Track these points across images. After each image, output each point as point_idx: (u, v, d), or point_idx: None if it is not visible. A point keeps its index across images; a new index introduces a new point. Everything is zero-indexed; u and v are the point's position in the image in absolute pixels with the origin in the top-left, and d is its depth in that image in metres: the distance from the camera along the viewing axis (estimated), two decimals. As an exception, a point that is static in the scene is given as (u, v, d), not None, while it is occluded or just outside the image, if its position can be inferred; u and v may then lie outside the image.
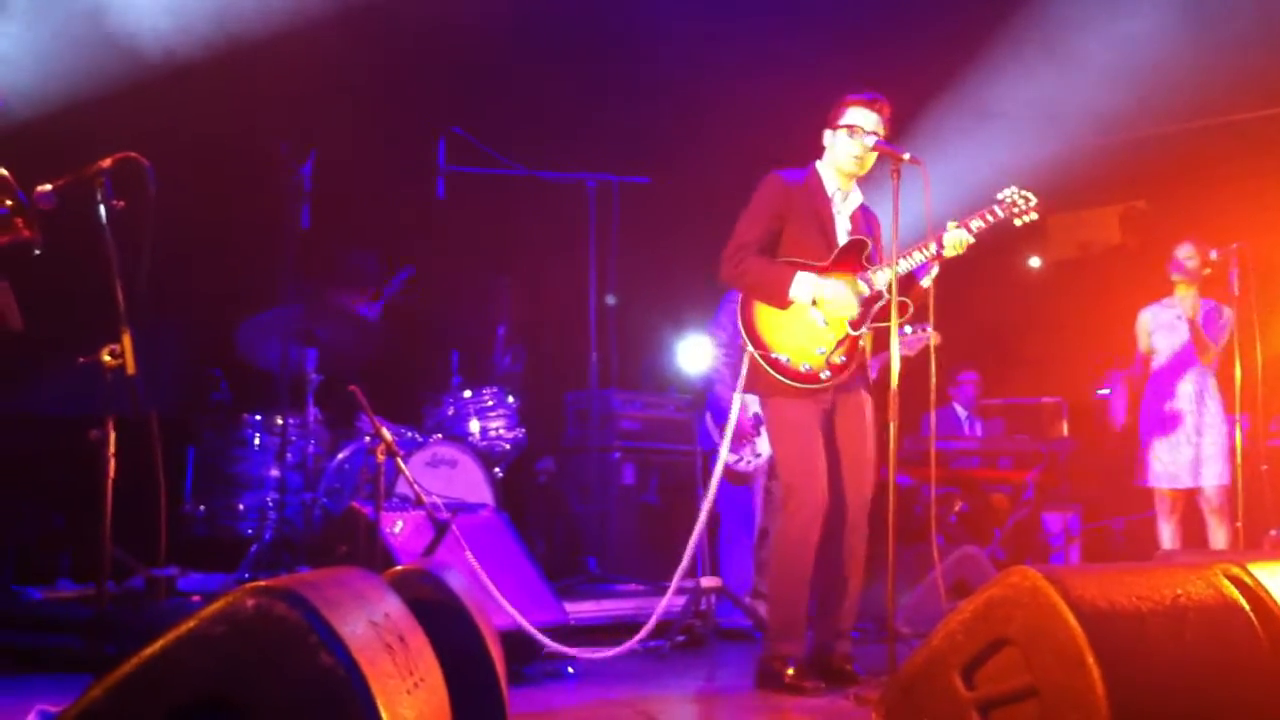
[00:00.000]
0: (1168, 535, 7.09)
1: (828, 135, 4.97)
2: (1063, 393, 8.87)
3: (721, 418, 6.39)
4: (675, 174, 7.56)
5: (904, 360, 4.71)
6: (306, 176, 6.68)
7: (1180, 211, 8.99)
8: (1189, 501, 7.06)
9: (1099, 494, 8.77)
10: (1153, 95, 7.71)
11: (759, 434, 6.39)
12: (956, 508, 7.88)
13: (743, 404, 6.35)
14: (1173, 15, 7.32)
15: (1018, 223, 4.84)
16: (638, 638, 5.06)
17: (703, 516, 5.21)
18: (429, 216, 7.57)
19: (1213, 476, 6.89)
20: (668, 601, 5.19)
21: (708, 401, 6.65)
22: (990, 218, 4.78)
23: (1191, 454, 6.95)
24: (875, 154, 4.89)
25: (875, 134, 4.83)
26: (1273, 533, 6.57)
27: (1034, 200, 4.81)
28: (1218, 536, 6.90)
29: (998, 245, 9.46)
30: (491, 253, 8.35)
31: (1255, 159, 8.42)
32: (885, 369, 4.63)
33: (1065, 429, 8.72)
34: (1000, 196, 4.83)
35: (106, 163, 4.05)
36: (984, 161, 4.95)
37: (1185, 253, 6.98)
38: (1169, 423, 7.06)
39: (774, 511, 6.57)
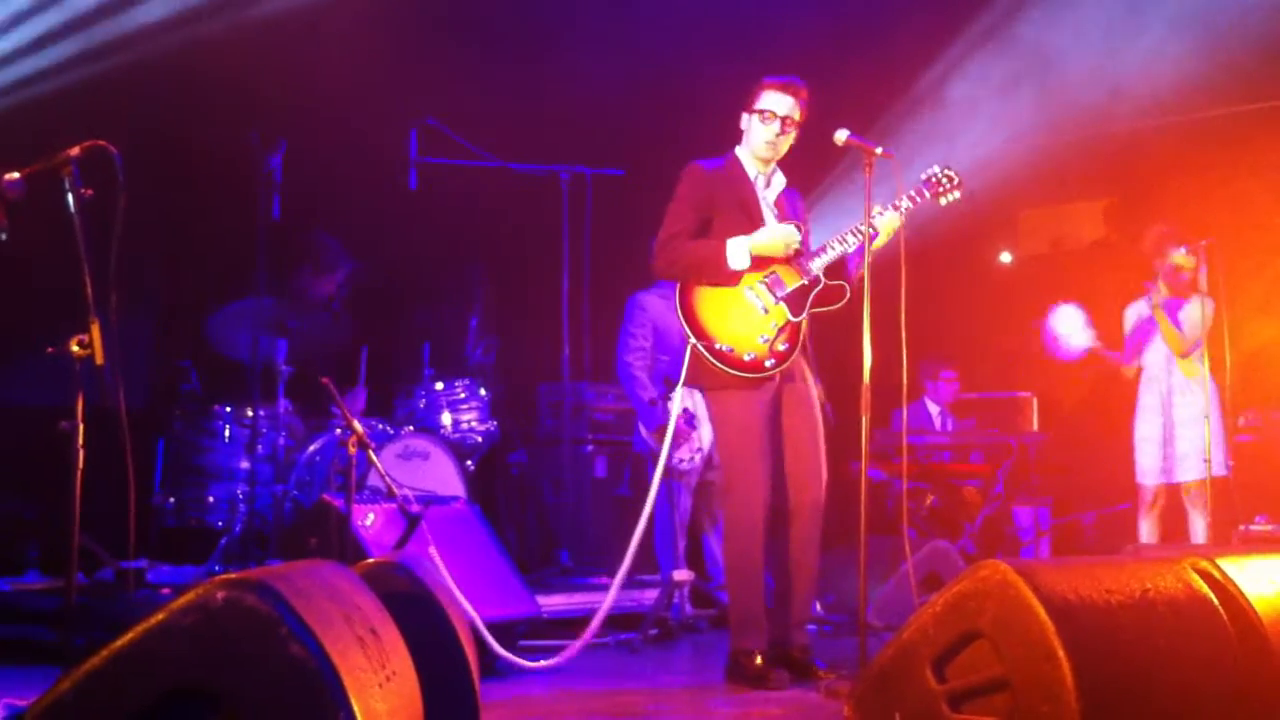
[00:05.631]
0: (1146, 529, 7.12)
1: (744, 119, 4.93)
2: (1033, 387, 8.91)
3: (650, 422, 6.37)
4: (650, 166, 7.55)
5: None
6: (277, 167, 6.64)
7: (1151, 207, 9.04)
8: (1170, 496, 7.09)
9: (1069, 488, 8.82)
10: (1125, 91, 7.74)
11: (693, 431, 6.36)
12: (928, 501, 7.91)
13: (673, 404, 6.37)
14: (1144, 10, 7.35)
15: (943, 201, 4.83)
16: (589, 631, 4.94)
17: (644, 517, 5.09)
18: (401, 208, 7.54)
19: (1192, 471, 6.92)
20: (614, 597, 5.01)
21: (635, 407, 6.62)
22: (917, 197, 4.78)
23: (1171, 449, 6.99)
24: (789, 139, 4.87)
25: (790, 118, 4.81)
26: (1241, 528, 6.61)
27: (958, 179, 4.82)
28: (1198, 531, 6.93)
29: (970, 241, 9.53)
30: (464, 244, 8.33)
31: (1226, 155, 8.47)
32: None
33: (1036, 423, 8.76)
34: (925, 175, 4.83)
35: (75, 151, 4.01)
36: (952, 158, 4.95)
37: (1178, 252, 7.00)
38: (1148, 418, 7.10)
39: (713, 503, 6.60)
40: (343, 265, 7.01)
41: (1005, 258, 10.54)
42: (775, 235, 4.75)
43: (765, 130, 4.83)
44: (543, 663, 4.88)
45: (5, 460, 5.90)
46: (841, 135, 4.70)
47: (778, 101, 4.82)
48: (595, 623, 4.94)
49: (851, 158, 4.88)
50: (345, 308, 6.96)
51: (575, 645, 4.90)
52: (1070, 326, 7.39)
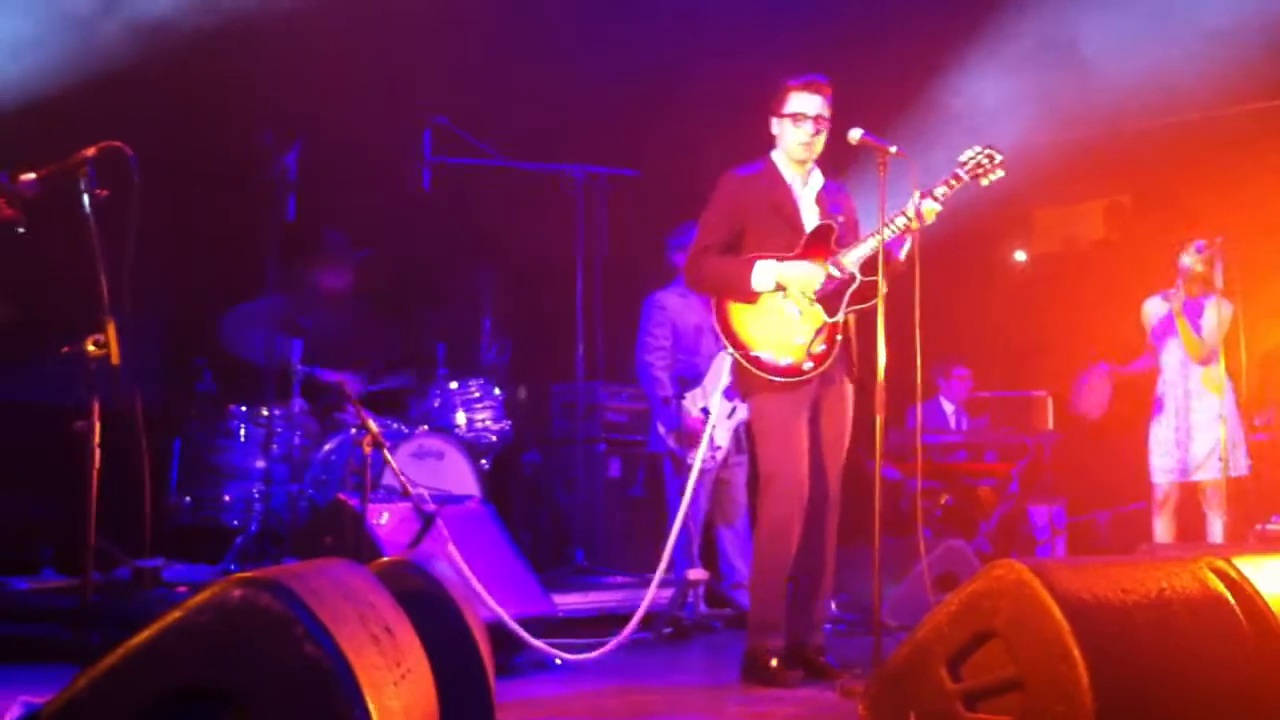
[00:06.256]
0: (1162, 529, 7.09)
1: (775, 124, 4.92)
2: (1048, 386, 8.88)
3: (669, 422, 6.39)
4: (663, 166, 7.55)
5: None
6: (291, 167, 6.66)
7: (1165, 206, 9.01)
8: (1186, 496, 7.06)
9: (1085, 487, 8.79)
10: (1137, 89, 7.72)
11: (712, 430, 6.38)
12: (942, 501, 7.90)
13: (690, 403, 6.38)
14: (1160, 7, 7.32)
15: (985, 182, 4.76)
16: (626, 631, 5.03)
17: (679, 517, 5.14)
18: (414, 208, 7.55)
19: (1209, 471, 6.89)
20: (652, 598, 5.14)
21: (653, 406, 6.64)
22: (955, 182, 4.73)
23: (1187, 449, 6.96)
24: (823, 137, 4.86)
25: (821, 116, 4.81)
26: (1258, 527, 6.58)
27: (999, 156, 4.74)
28: (1215, 530, 6.90)
29: (983, 240, 9.52)
30: (477, 244, 8.34)
31: (1239, 154, 8.44)
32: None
33: (1051, 422, 8.74)
34: (964, 158, 4.76)
35: (90, 151, 4.04)
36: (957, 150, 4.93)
37: (1189, 251, 6.97)
38: (1164, 418, 7.07)
39: (727, 502, 6.60)
40: (351, 259, 7.02)
41: (1019, 256, 10.52)
42: (802, 273, 4.74)
43: (799, 133, 4.83)
44: (587, 655, 4.92)
45: (21, 459, 5.93)
46: (855, 134, 4.68)
47: (806, 102, 4.82)
48: (635, 619, 5.02)
49: (865, 156, 4.85)
50: (357, 305, 6.99)
51: (614, 642, 4.96)
52: (1100, 388, 7.40)
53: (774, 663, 4.65)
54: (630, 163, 7.44)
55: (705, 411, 6.21)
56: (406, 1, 7.21)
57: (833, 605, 6.00)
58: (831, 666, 4.72)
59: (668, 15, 7.93)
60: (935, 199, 4.66)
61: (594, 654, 4.95)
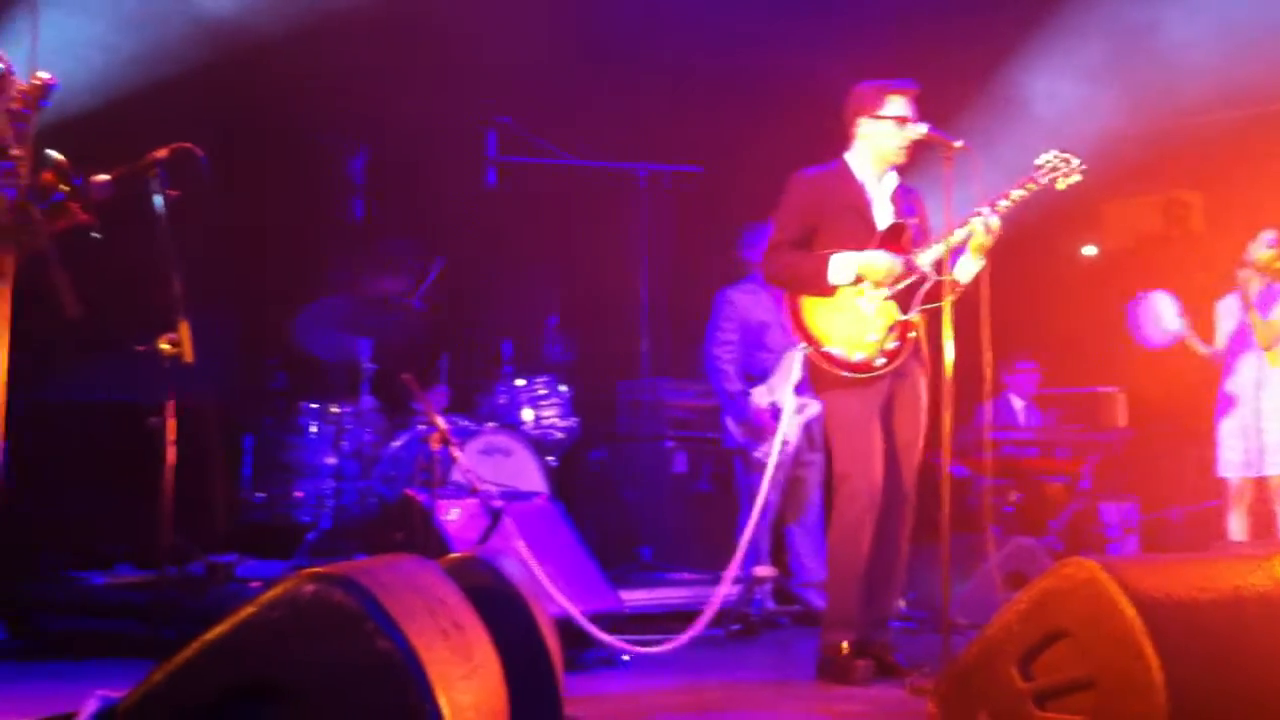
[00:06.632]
0: (1236, 525, 6.98)
1: (866, 124, 4.88)
2: (1120, 382, 8.77)
3: (738, 415, 6.40)
4: (727, 163, 7.54)
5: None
6: (358, 169, 6.74)
7: (1234, 200, 8.85)
8: (1259, 491, 6.94)
9: (1157, 484, 8.67)
10: (1207, 82, 7.59)
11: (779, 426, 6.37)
12: (1012, 498, 7.81)
13: (758, 398, 6.37)
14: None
15: (1061, 185, 4.71)
16: (698, 626, 5.04)
17: (756, 511, 5.17)
18: (480, 206, 7.61)
19: (1277, 466, 6.78)
20: (723, 593, 5.16)
21: (721, 401, 6.65)
22: (1031, 185, 4.64)
23: (1257, 442, 6.85)
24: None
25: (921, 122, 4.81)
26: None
27: (1075, 160, 4.67)
28: None
29: (1052, 234, 9.41)
30: (543, 242, 8.37)
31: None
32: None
33: (1123, 418, 8.62)
34: (1039, 162, 4.68)
35: (162, 153, 4.11)
36: (1032, 149, 4.87)
37: (1260, 242, 6.85)
38: (1233, 410, 6.97)
39: (800, 499, 6.58)
40: (417, 264, 7.08)
41: (1089, 251, 10.39)
42: (882, 263, 4.71)
43: (900, 135, 4.80)
44: (655, 649, 4.93)
45: (98, 457, 6.03)
46: (921, 129, 4.67)
47: (905, 106, 4.80)
48: (706, 616, 5.03)
49: (931, 152, 4.81)
50: (425, 306, 7.04)
51: (683, 636, 4.98)
52: (1160, 313, 7.26)
53: (845, 659, 4.63)
54: (694, 159, 7.43)
55: (774, 406, 6.20)
56: (470, 2, 7.26)
57: (902, 604, 5.97)
58: (900, 665, 4.70)
59: (730, 11, 7.92)
60: (998, 211, 4.62)
61: (662, 648, 4.96)
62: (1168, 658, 2.76)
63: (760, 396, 6.36)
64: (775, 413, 6.25)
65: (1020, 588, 3.42)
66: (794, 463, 6.44)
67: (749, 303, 6.61)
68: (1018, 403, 8.81)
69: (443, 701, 2.34)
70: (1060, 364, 9.16)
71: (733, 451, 6.68)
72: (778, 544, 6.63)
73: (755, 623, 6.07)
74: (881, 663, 4.71)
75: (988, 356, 4.51)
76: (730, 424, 6.52)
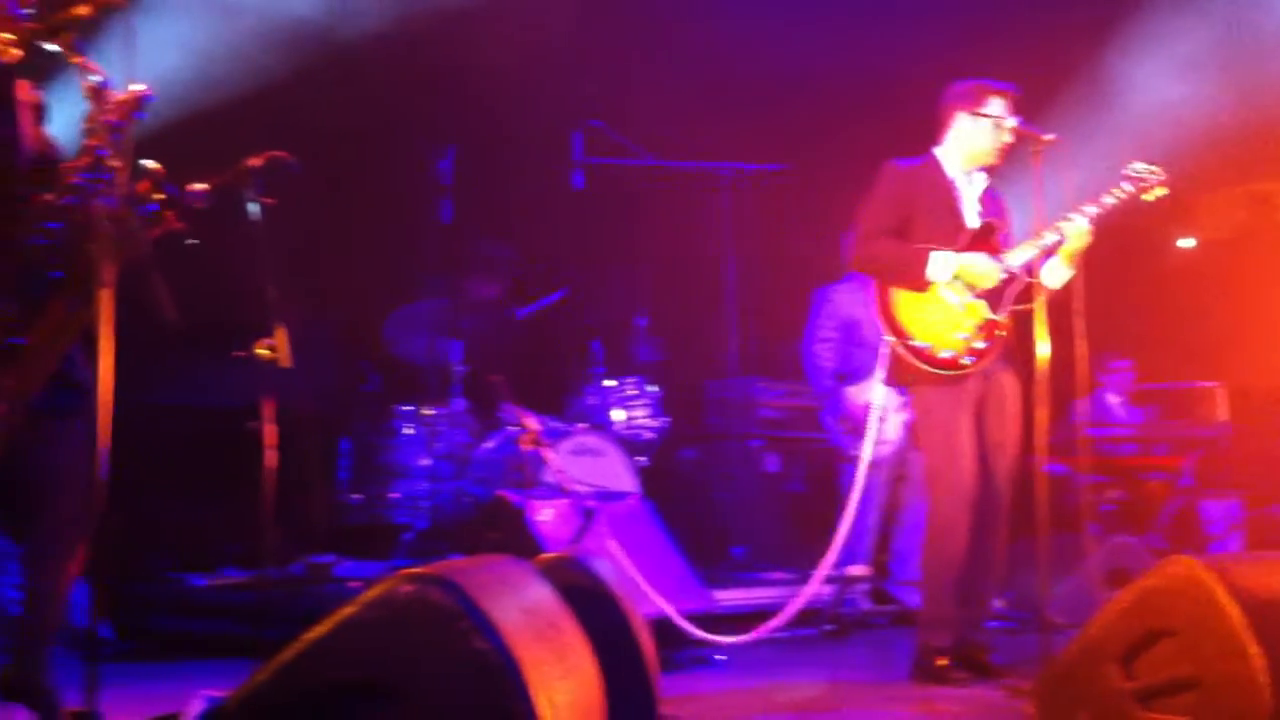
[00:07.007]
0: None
1: (963, 120, 4.84)
2: (1220, 376, 8.58)
3: (832, 411, 6.39)
4: (812, 161, 7.51)
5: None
6: (447, 171, 6.80)
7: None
8: None
9: (1261, 481, 8.46)
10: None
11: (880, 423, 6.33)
12: (1110, 496, 7.69)
13: (856, 393, 6.34)
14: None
15: (1147, 198, 4.65)
16: (775, 624, 5.02)
17: (851, 508, 5.14)
18: (567, 208, 7.65)
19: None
20: (814, 589, 5.15)
21: (821, 398, 6.63)
22: (1118, 193, 4.62)
23: None
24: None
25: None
26: None
27: (1162, 173, 4.62)
28: None
29: (1148, 227, 9.23)
30: (629, 242, 8.39)
31: None
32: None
33: (1224, 413, 8.43)
34: (1126, 172, 4.64)
35: (256, 161, 4.18)
36: (1124, 140, 4.79)
37: None
38: None
39: (904, 499, 6.53)
40: (509, 267, 7.14)
41: (1186, 243, 10.18)
42: (983, 267, 4.68)
43: (999, 136, 4.76)
44: (743, 643, 4.93)
45: (200, 460, 6.15)
46: (1010, 123, 4.63)
47: (1005, 109, 4.76)
48: (787, 613, 5.08)
49: (1020, 146, 4.76)
50: (513, 308, 7.11)
51: (763, 630, 5.03)
52: None
53: (942, 661, 4.59)
54: (778, 158, 7.41)
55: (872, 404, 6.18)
56: (556, 4, 7.30)
57: (1001, 603, 5.90)
58: (998, 665, 4.65)
59: (813, 8, 7.88)
60: (1087, 217, 4.56)
61: (748, 643, 4.95)
62: (1273, 657, 2.71)
63: (859, 394, 6.34)
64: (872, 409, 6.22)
65: (1120, 587, 3.37)
66: (898, 460, 6.39)
67: (848, 301, 6.60)
68: (1113, 399, 8.67)
69: (540, 701, 2.36)
70: (1157, 359, 8.99)
71: (834, 449, 6.67)
72: (883, 543, 6.59)
73: (849, 622, 6.03)
74: (979, 663, 4.66)
75: (1082, 352, 4.45)
76: (830, 422, 6.52)
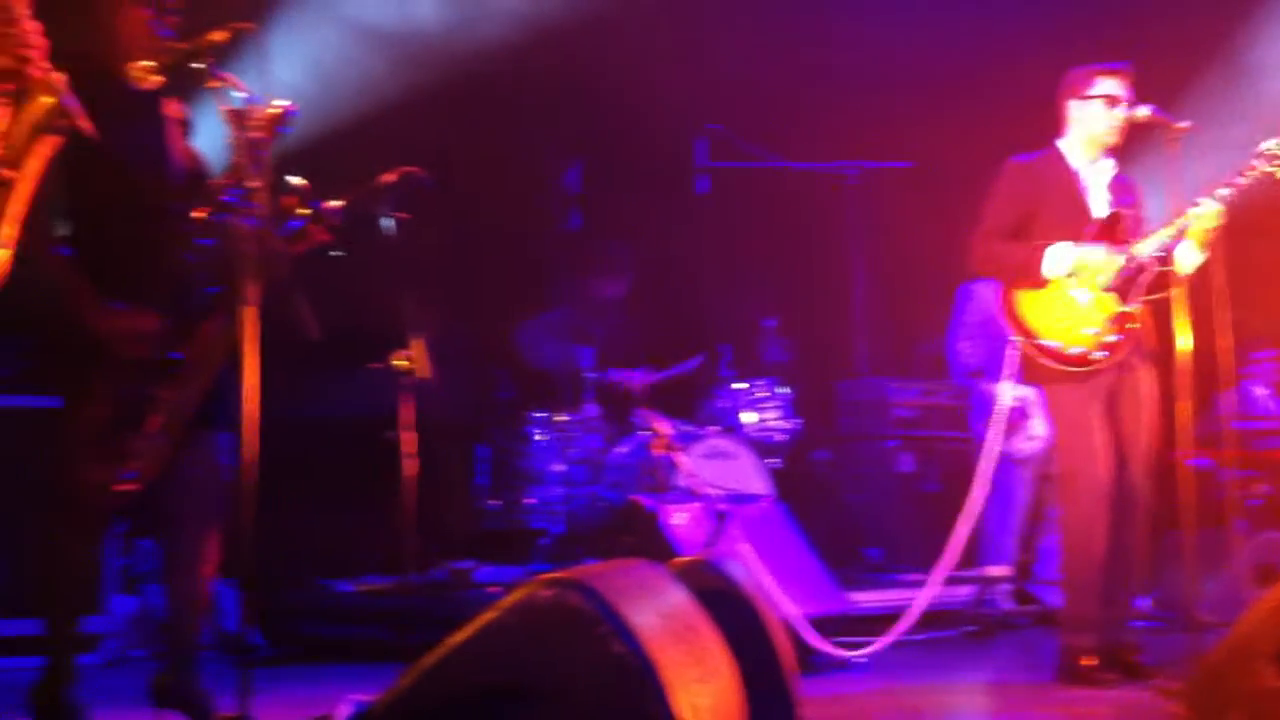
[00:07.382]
0: None
1: (1075, 107, 4.76)
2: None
3: (980, 408, 6.29)
4: (938, 158, 7.42)
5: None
6: (574, 182, 6.88)
7: None
8: None
9: None
10: None
11: (1027, 420, 6.22)
12: (1259, 490, 7.46)
13: (1002, 391, 6.23)
14: None
15: None
16: (901, 627, 4.98)
17: (975, 507, 5.06)
18: (692, 213, 7.67)
19: None
20: (936, 591, 5.07)
21: (966, 395, 6.54)
22: (1250, 172, 4.45)
23: None
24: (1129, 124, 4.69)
25: (1125, 99, 4.64)
26: None
27: None
28: None
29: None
30: (756, 245, 8.39)
31: None
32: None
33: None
34: (1259, 150, 4.47)
35: (391, 177, 4.28)
36: (1258, 125, 4.64)
37: None
38: None
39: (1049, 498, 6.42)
40: (627, 267, 7.17)
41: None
42: (1100, 258, 4.59)
43: (1112, 115, 4.67)
44: (873, 646, 4.93)
45: (342, 470, 6.30)
46: (1143, 111, 4.55)
47: (1116, 86, 4.67)
48: (913, 614, 4.98)
49: (1151, 135, 4.65)
50: (639, 310, 7.16)
51: (893, 634, 4.96)
52: None
53: (1087, 662, 4.50)
54: (904, 155, 7.35)
55: (1020, 401, 6.09)
56: (677, 12, 7.33)
57: (1148, 602, 5.78)
58: (1146, 666, 4.55)
59: (939, 5, 7.80)
60: (1219, 199, 4.43)
61: (878, 649, 4.93)
62: None
63: (1005, 391, 6.24)
64: (1021, 407, 6.13)
65: (1269, 583, 3.28)
66: (1047, 459, 6.29)
67: (991, 297, 6.52)
68: (1260, 391, 8.41)
69: (680, 705, 2.38)
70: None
71: (975, 448, 6.59)
72: (1026, 543, 6.50)
73: (991, 623, 5.95)
74: (1126, 664, 4.56)
75: (1225, 343, 4.33)
76: (976, 420, 6.44)
